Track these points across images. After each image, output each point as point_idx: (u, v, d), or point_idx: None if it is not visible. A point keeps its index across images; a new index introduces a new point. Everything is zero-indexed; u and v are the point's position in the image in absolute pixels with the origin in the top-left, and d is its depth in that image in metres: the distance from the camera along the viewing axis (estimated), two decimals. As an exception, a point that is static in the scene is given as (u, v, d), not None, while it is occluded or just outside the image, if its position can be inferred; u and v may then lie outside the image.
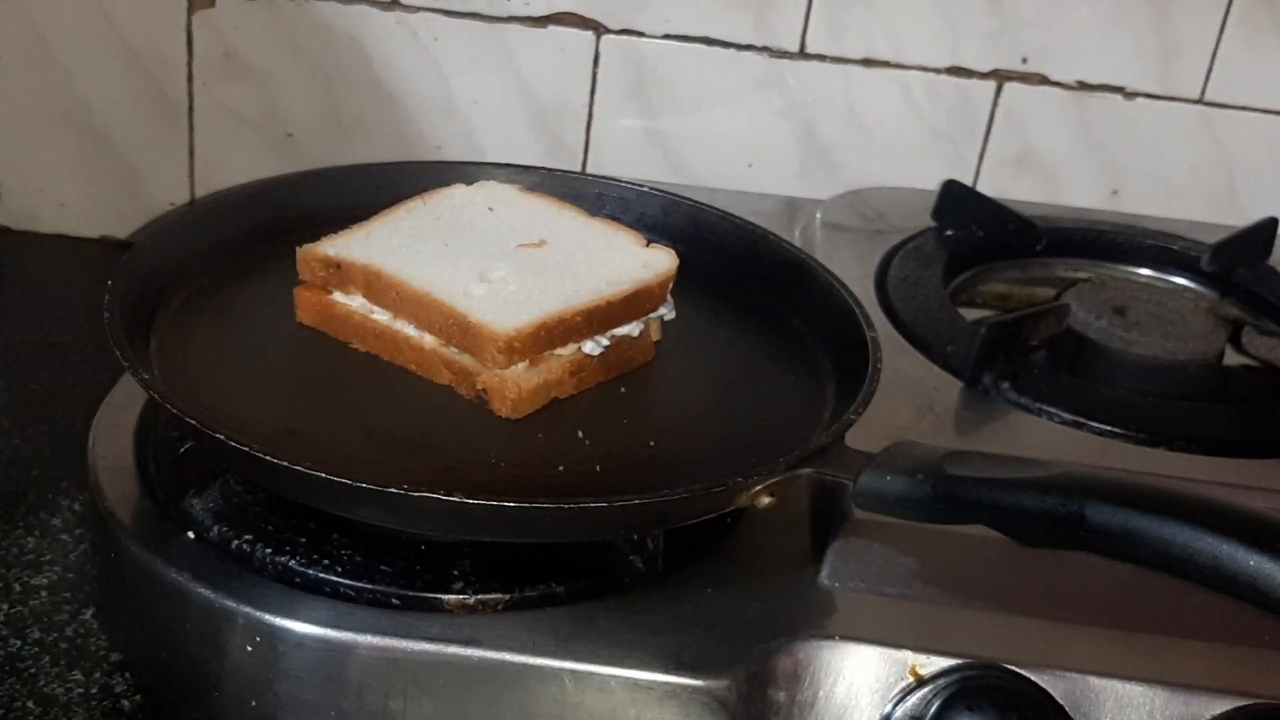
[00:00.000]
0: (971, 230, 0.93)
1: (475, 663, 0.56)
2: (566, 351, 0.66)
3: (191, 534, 0.60)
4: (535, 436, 0.63)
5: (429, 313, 0.65)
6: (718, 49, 0.98)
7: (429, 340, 0.66)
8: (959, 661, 0.57)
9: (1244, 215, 1.01)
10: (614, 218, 0.76)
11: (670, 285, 0.69)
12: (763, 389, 0.70)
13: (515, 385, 0.63)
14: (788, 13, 0.97)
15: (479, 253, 0.69)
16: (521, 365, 0.64)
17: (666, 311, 0.70)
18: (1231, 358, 0.87)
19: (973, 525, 0.57)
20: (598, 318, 0.66)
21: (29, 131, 0.98)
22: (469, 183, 0.77)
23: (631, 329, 0.68)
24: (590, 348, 0.66)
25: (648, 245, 0.71)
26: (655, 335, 0.70)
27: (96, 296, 0.63)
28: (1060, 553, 0.56)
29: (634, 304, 0.67)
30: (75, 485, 0.74)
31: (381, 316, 0.67)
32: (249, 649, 0.56)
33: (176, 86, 0.97)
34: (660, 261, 0.70)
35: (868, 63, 0.99)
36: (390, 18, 0.96)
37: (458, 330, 0.64)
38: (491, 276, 0.67)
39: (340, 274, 0.67)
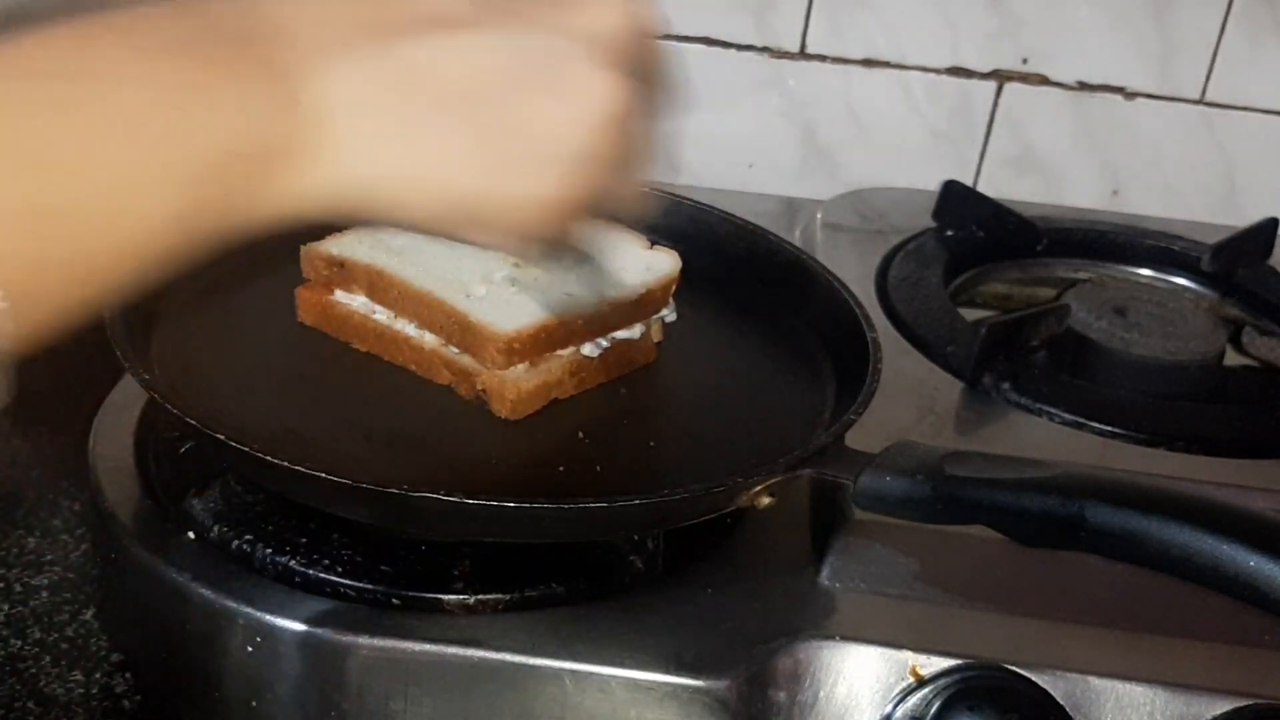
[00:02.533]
0: (972, 230, 0.93)
1: (475, 663, 0.56)
2: (566, 353, 0.65)
3: (191, 534, 0.60)
4: (535, 436, 0.63)
5: (430, 312, 0.65)
6: (718, 49, 0.98)
7: (429, 340, 0.66)
8: (959, 661, 0.57)
9: (1244, 215, 1.01)
10: (614, 218, 0.76)
11: (673, 288, 0.69)
12: (763, 389, 0.70)
13: (515, 386, 0.63)
14: (788, 13, 0.97)
15: (482, 254, 0.69)
16: (521, 366, 0.64)
17: (668, 314, 0.70)
18: (1231, 358, 0.87)
19: (973, 525, 0.57)
20: (598, 320, 0.66)
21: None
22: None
23: (632, 331, 0.68)
24: (590, 349, 0.66)
25: (651, 247, 0.71)
26: (656, 336, 0.70)
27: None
28: (1060, 553, 0.56)
29: (636, 307, 0.67)
30: (75, 485, 0.74)
31: (382, 316, 0.67)
32: (249, 649, 0.56)
33: (177, 86, 0.97)
34: (663, 264, 0.69)
35: (868, 63, 0.99)
36: (390, 18, 0.96)
37: (458, 330, 0.64)
38: (494, 278, 0.67)
39: (343, 272, 0.67)
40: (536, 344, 0.64)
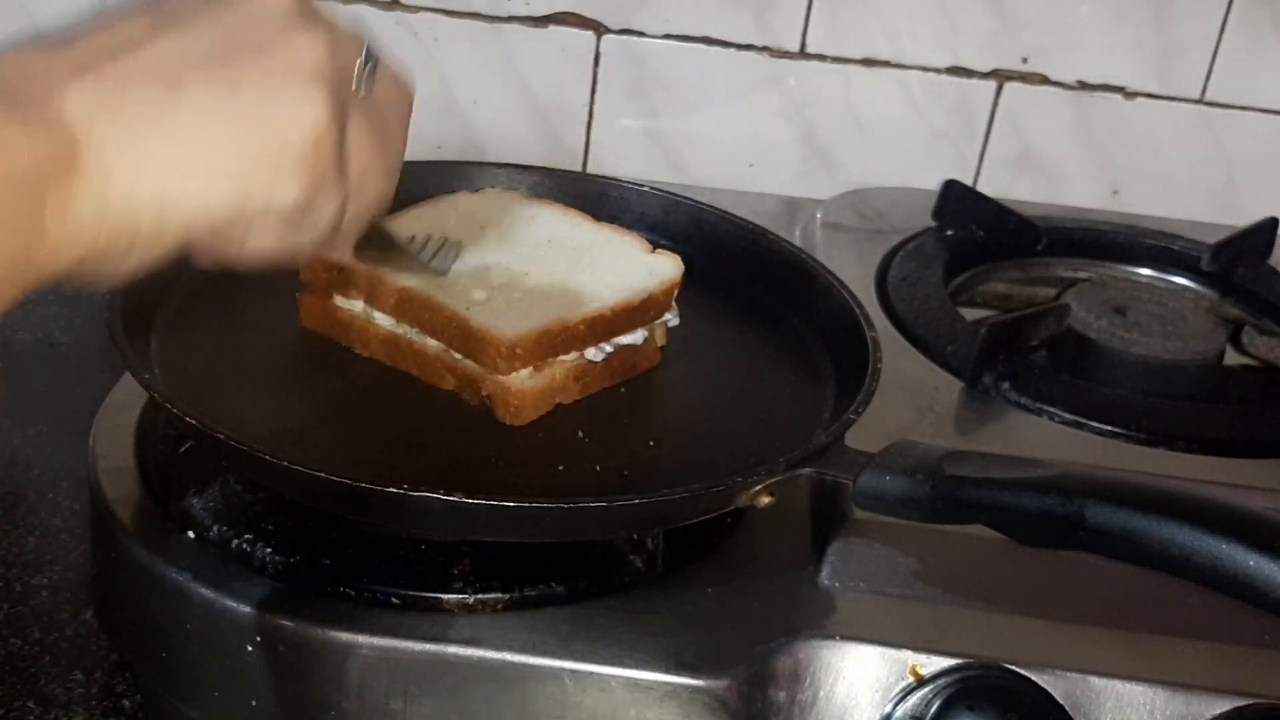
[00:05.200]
0: (972, 230, 0.93)
1: (475, 663, 0.56)
2: (570, 358, 0.65)
3: (191, 534, 0.60)
4: (535, 436, 0.63)
5: (431, 318, 0.65)
6: (718, 49, 0.98)
7: (432, 345, 0.65)
8: (959, 661, 0.57)
9: (1244, 215, 1.01)
10: (614, 218, 0.76)
11: (675, 292, 0.69)
12: (763, 389, 0.70)
13: (519, 391, 0.63)
14: (788, 12, 0.97)
15: (482, 258, 0.69)
16: (525, 371, 0.63)
17: (671, 318, 0.70)
18: (1231, 358, 0.87)
19: (973, 525, 0.57)
20: (601, 325, 0.66)
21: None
22: (469, 182, 0.76)
23: (635, 337, 0.67)
24: (593, 354, 0.66)
25: (653, 250, 0.71)
26: (660, 341, 0.70)
27: (97, 296, 0.63)
28: (1060, 553, 0.56)
29: (638, 312, 0.67)
30: (75, 485, 0.74)
31: (384, 321, 0.66)
32: (249, 649, 0.56)
33: (177, 86, 0.97)
34: (665, 268, 0.69)
35: (868, 63, 0.99)
36: (390, 18, 0.96)
37: (460, 336, 0.64)
38: (495, 283, 0.67)
39: (343, 277, 0.67)
40: (539, 348, 0.63)
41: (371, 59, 0.50)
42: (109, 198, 0.42)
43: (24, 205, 0.40)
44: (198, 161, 0.44)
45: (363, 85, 0.50)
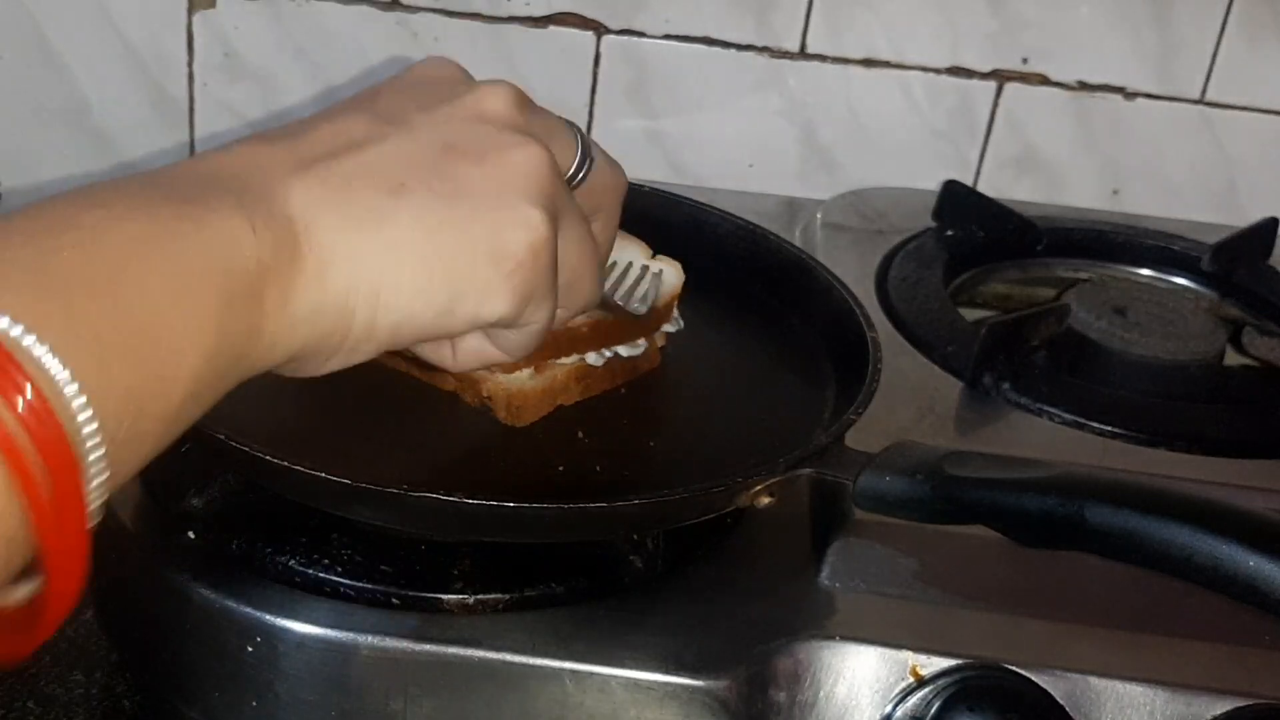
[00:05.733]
0: (972, 230, 0.93)
1: (475, 663, 0.56)
2: (570, 360, 0.65)
3: (191, 534, 0.60)
4: (535, 436, 0.63)
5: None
6: (718, 49, 0.98)
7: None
8: (959, 661, 0.57)
9: (1244, 215, 1.01)
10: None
11: (677, 299, 0.69)
12: (763, 389, 0.70)
13: (520, 393, 0.63)
14: (788, 13, 0.97)
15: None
16: (526, 372, 0.63)
17: (672, 325, 0.70)
18: (1231, 358, 0.87)
19: (973, 525, 0.57)
20: (604, 328, 0.65)
21: (29, 131, 0.98)
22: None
23: (636, 349, 0.67)
24: (594, 359, 0.66)
25: (654, 256, 0.71)
26: (660, 341, 0.70)
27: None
28: (1060, 553, 0.56)
29: (639, 322, 0.67)
30: (75, 485, 0.74)
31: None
32: (249, 649, 0.56)
33: (177, 86, 0.97)
34: (668, 277, 0.69)
35: (868, 63, 0.99)
36: (390, 18, 0.96)
37: (460, 334, 0.64)
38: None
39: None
40: (543, 348, 0.63)
41: (587, 156, 0.51)
42: (325, 297, 0.43)
43: (246, 301, 0.40)
44: (412, 267, 0.45)
45: (579, 183, 0.51)
